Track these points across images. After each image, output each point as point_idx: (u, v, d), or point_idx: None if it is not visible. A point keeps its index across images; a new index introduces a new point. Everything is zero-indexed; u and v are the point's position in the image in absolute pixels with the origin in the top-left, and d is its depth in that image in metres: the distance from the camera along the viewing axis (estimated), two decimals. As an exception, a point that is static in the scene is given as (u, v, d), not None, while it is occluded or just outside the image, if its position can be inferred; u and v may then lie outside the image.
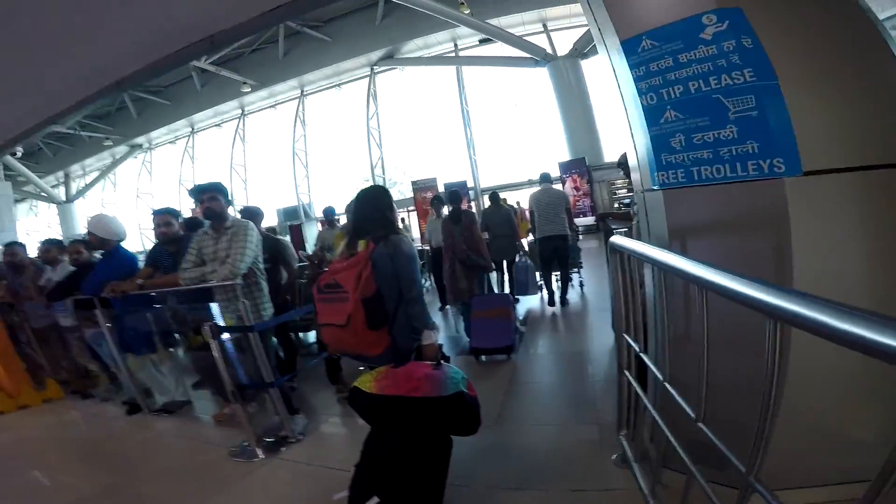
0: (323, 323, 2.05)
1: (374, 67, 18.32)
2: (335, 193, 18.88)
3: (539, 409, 3.16)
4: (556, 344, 4.61)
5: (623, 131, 2.13)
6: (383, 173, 19.02)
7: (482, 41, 16.84)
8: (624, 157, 3.35)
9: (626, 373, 2.09)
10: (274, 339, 3.62)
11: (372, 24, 16.34)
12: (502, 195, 6.49)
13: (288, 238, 14.49)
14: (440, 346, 2.11)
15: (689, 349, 1.69)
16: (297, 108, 20.17)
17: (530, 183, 15.40)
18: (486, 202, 6.15)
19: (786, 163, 1.62)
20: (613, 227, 3.56)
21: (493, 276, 5.56)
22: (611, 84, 2.13)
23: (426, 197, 14.13)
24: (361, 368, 4.04)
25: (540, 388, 3.55)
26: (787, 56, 1.64)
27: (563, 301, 5.91)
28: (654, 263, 1.61)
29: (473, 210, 10.92)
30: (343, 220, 5.65)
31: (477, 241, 4.66)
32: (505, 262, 5.88)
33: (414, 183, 16.13)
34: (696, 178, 1.78)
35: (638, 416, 2.13)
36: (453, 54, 17.72)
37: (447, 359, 2.16)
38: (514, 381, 3.66)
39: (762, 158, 1.65)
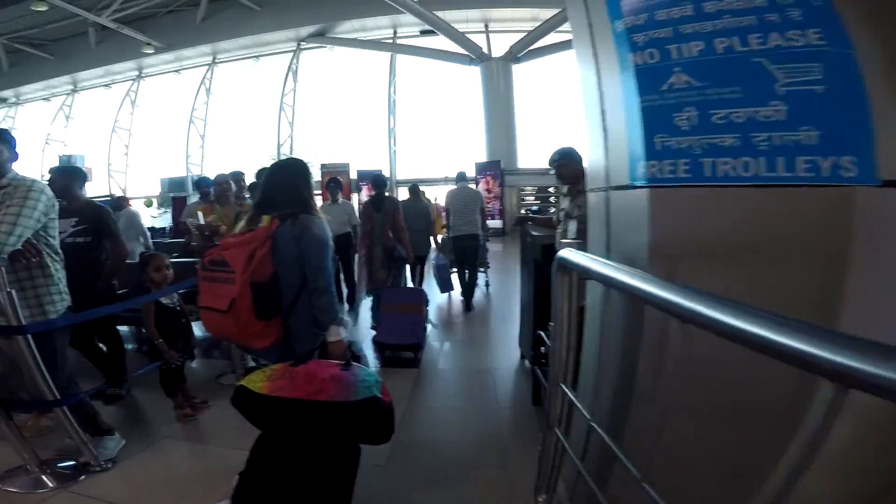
0: (203, 306, 1.79)
1: (302, 43, 17.23)
2: (233, 168, 17.15)
3: (440, 444, 2.66)
4: (462, 355, 4.29)
5: (587, 111, 1.63)
6: (290, 153, 17.98)
7: (423, 32, 16.49)
8: (561, 152, 2.95)
9: (557, 430, 1.64)
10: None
11: (307, -2, 15.29)
12: (423, 189, 6.22)
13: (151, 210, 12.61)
14: (350, 343, 1.89)
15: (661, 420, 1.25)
16: (205, 76, 18.45)
17: (446, 180, 15.19)
18: (405, 194, 5.93)
19: (859, 164, 1.09)
20: (535, 233, 3.25)
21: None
22: (575, 46, 1.66)
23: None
24: (227, 375, 3.48)
25: (442, 412, 3.10)
26: (866, 23, 1.14)
27: (469, 305, 5.83)
28: (663, 305, 0.88)
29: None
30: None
31: (400, 231, 4.51)
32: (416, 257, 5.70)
33: (324, 166, 15.12)
34: (709, 175, 1.20)
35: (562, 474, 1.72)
36: (391, 41, 17.14)
37: (358, 359, 1.93)
38: (414, 400, 3.27)
39: (823, 154, 1.11)
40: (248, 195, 4.47)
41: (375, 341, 4.04)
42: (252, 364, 3.56)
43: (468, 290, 5.87)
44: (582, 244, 2.63)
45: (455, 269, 6.02)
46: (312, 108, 18.38)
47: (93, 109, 20.09)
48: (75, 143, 19.86)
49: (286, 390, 1.61)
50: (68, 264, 2.82)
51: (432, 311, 5.47)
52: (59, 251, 2.39)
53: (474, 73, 16.45)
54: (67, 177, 3.13)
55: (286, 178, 1.95)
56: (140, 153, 19.60)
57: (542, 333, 2.61)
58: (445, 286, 5.90)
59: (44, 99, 20.44)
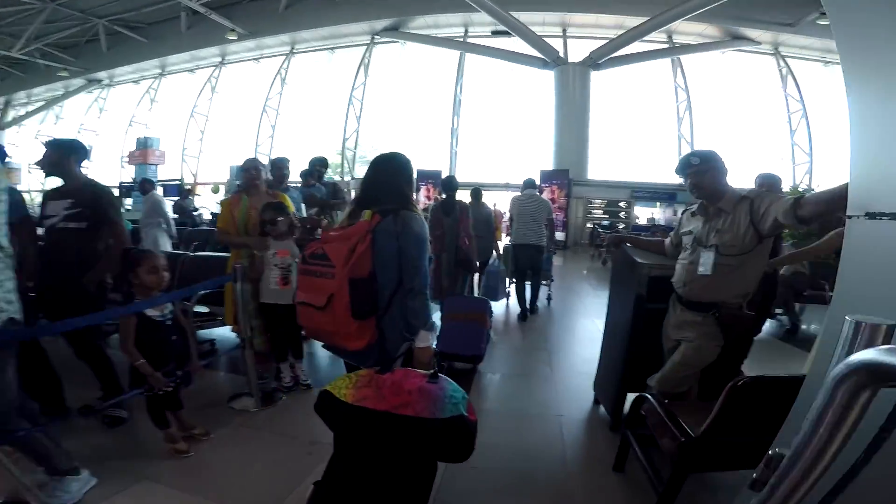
0: (300, 301, 1.73)
1: (376, 37, 17.38)
2: (299, 158, 17.82)
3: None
4: (519, 392, 3.41)
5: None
6: (355, 147, 18.25)
7: (494, 33, 16.20)
8: (703, 155, 2.15)
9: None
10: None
11: (385, -9, 15.37)
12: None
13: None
14: (436, 351, 1.79)
15: None
16: (282, 65, 19.00)
17: (507, 186, 14.93)
18: (463, 197, 5.42)
19: None
20: (642, 260, 2.50)
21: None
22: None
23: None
24: (241, 398, 2.91)
25: (492, 475, 2.28)
26: None
27: (533, 308, 5.66)
28: None
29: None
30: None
31: (469, 238, 4.40)
32: (478, 264, 5.55)
33: (384, 162, 15.13)
34: None
35: None
36: (462, 40, 16.96)
37: (443, 368, 1.71)
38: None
39: None
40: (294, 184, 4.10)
41: (436, 350, 3.64)
42: (274, 385, 3.09)
43: (531, 295, 5.63)
44: (718, 282, 2.05)
45: (514, 280, 5.70)
46: (379, 103, 18.48)
47: (176, 94, 21.15)
48: (156, 126, 21.05)
49: (371, 400, 1.54)
50: (58, 253, 2.43)
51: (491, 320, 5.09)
52: (7, 246, 1.80)
53: (546, 77, 15.88)
54: (62, 151, 2.65)
55: (388, 173, 1.86)
56: (214, 139, 20.45)
57: (650, 397, 2.00)
58: (491, 294, 5.50)
59: (133, 81, 21.73)
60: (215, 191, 18.64)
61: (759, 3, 13.84)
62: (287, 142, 19.15)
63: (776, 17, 14.11)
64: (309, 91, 19.43)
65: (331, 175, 19.29)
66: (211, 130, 20.47)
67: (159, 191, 7.34)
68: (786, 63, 15.98)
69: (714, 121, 16.77)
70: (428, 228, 1.81)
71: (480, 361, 3.69)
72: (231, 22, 16.43)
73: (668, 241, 2.55)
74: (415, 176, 1.93)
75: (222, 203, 3.29)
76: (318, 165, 4.92)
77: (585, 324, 5.41)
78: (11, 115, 23.40)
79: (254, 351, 2.95)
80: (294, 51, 18.62)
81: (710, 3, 12.40)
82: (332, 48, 18.31)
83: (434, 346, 1.80)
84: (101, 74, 20.98)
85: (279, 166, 3.85)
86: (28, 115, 23.30)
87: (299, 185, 4.70)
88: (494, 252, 5.66)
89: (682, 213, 2.42)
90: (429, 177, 15.23)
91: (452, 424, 1.49)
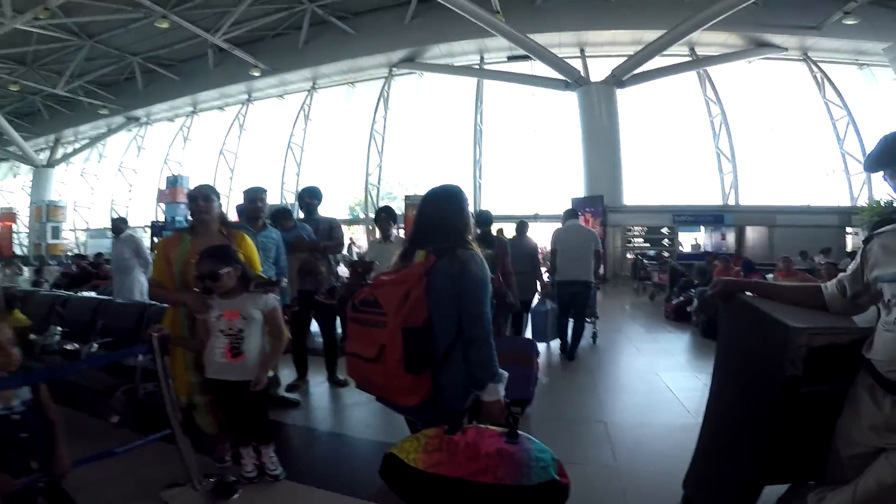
0: (349, 352, 1.67)
1: (393, 69, 17.46)
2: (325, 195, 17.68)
3: None
4: (577, 493, 1.81)
5: None
6: (378, 182, 18.15)
7: (510, 58, 16.10)
8: None
9: None
10: None
11: (400, 23, 15.38)
12: (499, 226, 5.67)
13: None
14: (508, 403, 1.61)
15: None
16: (305, 101, 19.26)
17: (536, 217, 14.40)
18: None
19: None
20: (795, 324, 1.50)
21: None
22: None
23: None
24: (174, 489, 2.22)
25: None
26: None
27: (572, 355, 5.15)
28: None
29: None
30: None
31: (507, 275, 4.26)
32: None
33: (407, 198, 14.68)
34: None
35: None
36: (479, 67, 16.91)
37: (517, 421, 1.57)
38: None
39: None
40: (268, 220, 3.46)
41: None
42: (232, 478, 2.36)
43: (572, 339, 5.20)
44: None
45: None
46: (401, 136, 18.42)
47: (207, 132, 21.67)
48: (188, 164, 21.51)
49: (445, 466, 1.39)
50: None
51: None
52: None
53: (570, 100, 15.52)
54: None
55: (439, 207, 1.76)
56: (243, 177, 20.51)
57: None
58: (540, 335, 5.12)
59: (168, 119, 22.41)
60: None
61: (778, 7, 13.30)
62: (312, 179, 19.11)
63: (798, 21, 13.57)
64: (331, 127, 19.58)
65: (357, 211, 18.93)
66: (240, 168, 20.73)
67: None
68: (818, 68, 15.19)
69: (753, 135, 16.03)
70: (487, 270, 1.67)
71: (529, 405, 3.48)
72: (254, 58, 16.76)
73: (830, 286, 1.65)
74: (470, 209, 1.79)
75: (158, 244, 2.50)
76: (308, 197, 4.02)
77: (648, 378, 4.50)
78: (60, 152, 24.40)
79: (201, 433, 2.38)
80: (316, 86, 18.87)
81: (725, 10, 11.88)
82: (352, 83, 18.49)
83: (505, 398, 1.61)
84: (139, 112, 21.60)
85: (252, 198, 3.08)
86: (75, 152, 24.27)
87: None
88: (540, 288, 5.30)
89: (869, 242, 1.46)
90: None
91: (542, 492, 1.35)
